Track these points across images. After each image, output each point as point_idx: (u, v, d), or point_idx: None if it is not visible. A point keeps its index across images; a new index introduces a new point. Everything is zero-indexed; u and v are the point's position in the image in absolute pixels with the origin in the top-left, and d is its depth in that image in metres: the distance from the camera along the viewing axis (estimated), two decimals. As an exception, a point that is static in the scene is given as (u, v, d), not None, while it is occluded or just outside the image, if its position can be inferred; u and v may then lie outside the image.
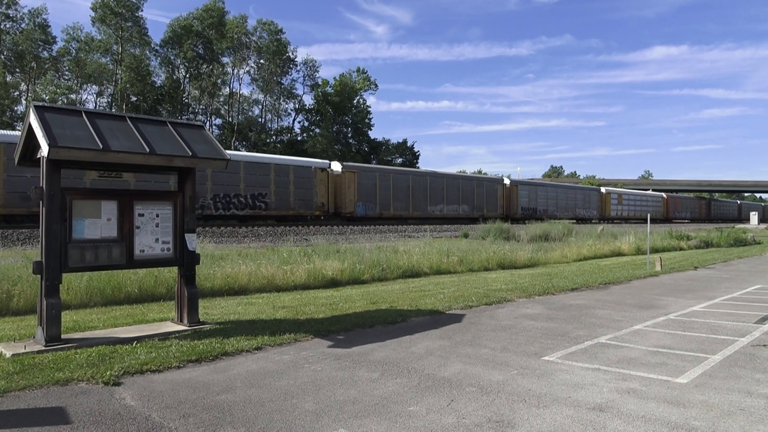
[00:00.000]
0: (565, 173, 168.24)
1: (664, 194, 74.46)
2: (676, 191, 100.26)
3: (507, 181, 50.91)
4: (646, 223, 18.30)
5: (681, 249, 26.92)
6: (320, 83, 79.81)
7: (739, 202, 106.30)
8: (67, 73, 62.53)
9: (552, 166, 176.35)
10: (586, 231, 28.90)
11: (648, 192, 75.64)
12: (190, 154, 7.01)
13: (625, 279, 13.81)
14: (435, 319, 8.35)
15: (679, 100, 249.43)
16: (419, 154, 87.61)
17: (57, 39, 61.80)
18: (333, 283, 12.35)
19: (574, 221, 45.43)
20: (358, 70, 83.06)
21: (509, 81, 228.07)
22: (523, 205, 51.16)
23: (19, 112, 57.35)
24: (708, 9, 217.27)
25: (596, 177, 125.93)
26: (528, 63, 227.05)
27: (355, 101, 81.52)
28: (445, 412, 4.43)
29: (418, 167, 78.27)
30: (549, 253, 20.09)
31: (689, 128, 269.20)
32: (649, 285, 12.87)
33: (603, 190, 64.05)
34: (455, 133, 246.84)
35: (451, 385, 5.13)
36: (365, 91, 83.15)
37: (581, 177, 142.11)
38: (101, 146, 6.28)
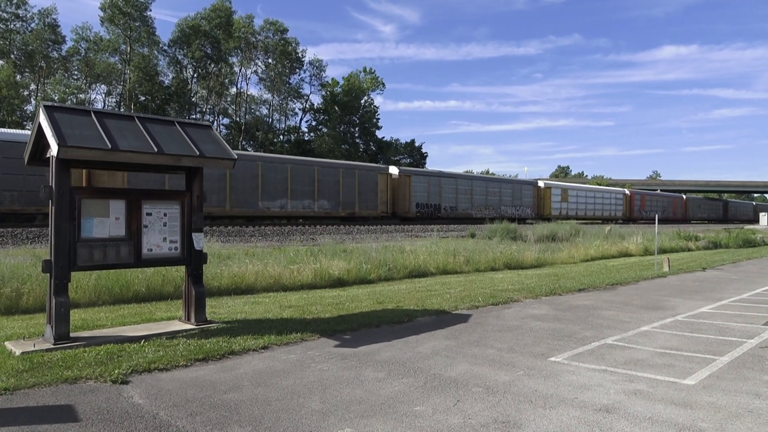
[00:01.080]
0: (573, 173, 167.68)
1: (627, 190, 68.07)
2: (686, 191, 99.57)
3: (395, 171, 40.36)
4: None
5: (689, 250, 26.77)
6: (329, 83, 79.91)
7: (726, 199, 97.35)
8: (76, 72, 62.93)
9: (559, 166, 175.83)
10: (594, 232, 28.78)
11: (607, 188, 69.81)
12: (198, 153, 7.04)
13: (633, 280, 13.75)
14: (441, 319, 8.35)
15: (689, 100, 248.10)
16: (427, 155, 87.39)
17: (66, 39, 62.24)
18: (339, 283, 12.36)
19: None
20: (365, 70, 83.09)
21: (517, 80, 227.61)
22: (419, 201, 40.72)
23: (28, 112, 57.75)
24: (718, 8, 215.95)
25: (604, 177, 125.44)
26: (536, 62, 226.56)
27: (362, 101, 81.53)
28: (451, 412, 4.43)
29: (425, 167, 78.24)
30: (556, 253, 20.03)
31: (699, 128, 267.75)
32: (657, 286, 12.81)
33: (541, 184, 53.92)
34: (462, 132, 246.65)
35: (458, 385, 5.13)
36: (373, 91, 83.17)
37: (588, 177, 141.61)
38: (110, 146, 6.32)
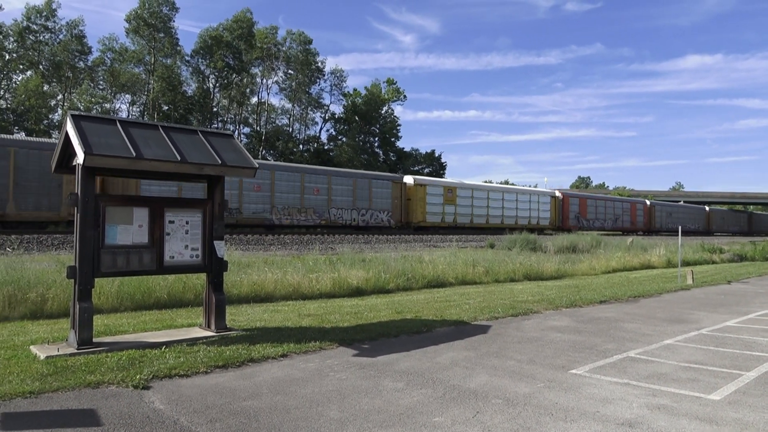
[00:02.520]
0: (594, 184, 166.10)
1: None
2: (709, 203, 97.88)
3: (409, 180, 38.70)
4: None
5: (714, 262, 26.29)
6: (351, 93, 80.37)
7: (708, 209, 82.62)
8: (101, 82, 64.18)
9: (579, 177, 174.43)
10: (616, 243, 28.43)
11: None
12: (220, 162, 7.13)
13: (656, 292, 13.53)
14: (460, 329, 8.30)
15: (713, 110, 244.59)
16: (446, 165, 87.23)
17: (93, 49, 63.56)
18: (358, 292, 12.37)
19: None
20: (389, 81, 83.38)
21: (537, 90, 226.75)
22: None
23: (55, 121, 59.01)
24: (745, 17, 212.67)
25: (626, 188, 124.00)
26: (557, 72, 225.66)
27: (383, 111, 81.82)
28: (470, 423, 4.39)
29: (445, 177, 78.10)
30: (576, 264, 19.82)
31: (723, 139, 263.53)
32: (680, 299, 12.59)
33: (410, 180, 39.69)
34: (482, 142, 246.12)
35: (477, 396, 5.09)
36: (394, 101, 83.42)
37: (610, 188, 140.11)
38: (134, 154, 6.43)
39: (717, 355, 6.97)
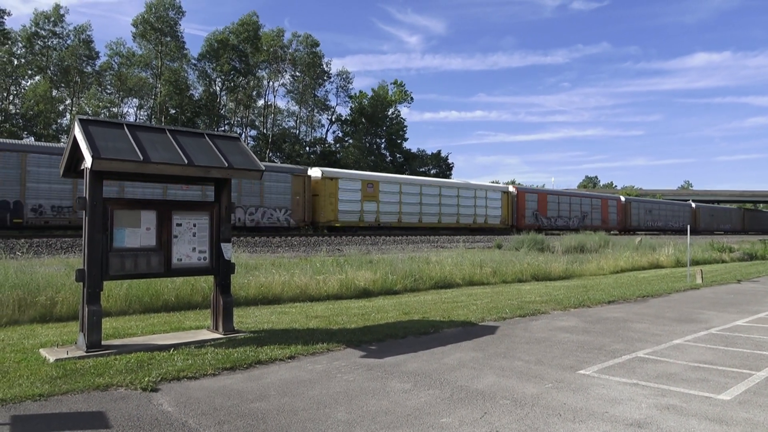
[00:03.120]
0: (601, 184, 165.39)
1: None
2: (718, 201, 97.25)
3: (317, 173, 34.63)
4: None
5: (723, 261, 26.11)
6: (357, 95, 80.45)
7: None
8: (109, 87, 64.59)
9: (587, 176, 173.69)
10: (624, 243, 28.30)
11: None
12: (227, 165, 7.16)
13: (664, 292, 13.46)
14: (468, 330, 8.29)
15: (722, 108, 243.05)
16: (453, 166, 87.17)
17: (100, 54, 63.98)
18: (365, 294, 12.37)
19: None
20: (396, 83, 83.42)
21: (544, 90, 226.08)
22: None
23: (64, 125, 59.43)
24: (753, 14, 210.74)
25: (634, 187, 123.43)
26: (563, 71, 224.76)
27: (389, 112, 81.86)
28: (478, 424, 4.38)
29: (451, 178, 78.03)
30: (584, 264, 19.74)
31: (732, 137, 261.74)
32: (690, 298, 12.51)
33: (316, 173, 34.61)
34: (488, 143, 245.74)
35: (485, 397, 5.08)
36: (400, 103, 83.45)
37: (617, 187, 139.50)
38: (142, 158, 6.47)
39: (727, 354, 6.92)
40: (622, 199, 58.76)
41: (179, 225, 7.19)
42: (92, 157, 6.14)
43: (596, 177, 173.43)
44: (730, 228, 75.99)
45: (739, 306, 11.30)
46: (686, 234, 18.37)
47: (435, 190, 40.24)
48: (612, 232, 49.45)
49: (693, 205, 70.55)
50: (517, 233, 34.68)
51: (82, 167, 6.73)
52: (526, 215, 46.69)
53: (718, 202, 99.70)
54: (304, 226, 32.89)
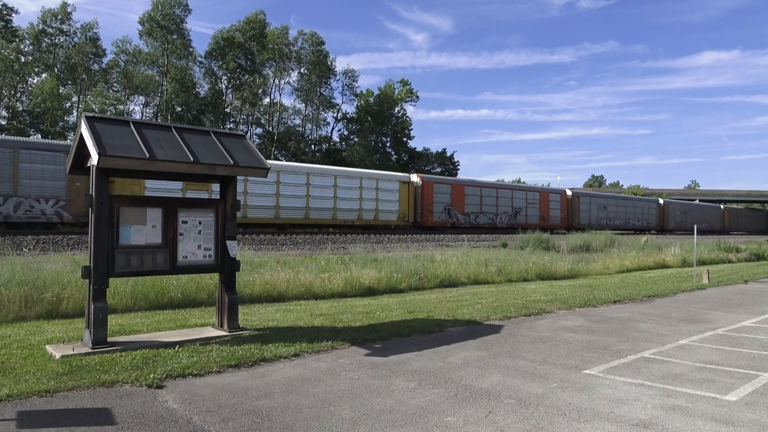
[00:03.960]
0: (608, 183, 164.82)
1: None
2: (725, 201, 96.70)
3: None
4: None
5: (730, 262, 25.98)
6: (364, 93, 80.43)
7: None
8: (115, 84, 64.83)
9: (593, 176, 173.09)
10: (630, 242, 28.20)
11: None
12: (232, 163, 7.17)
13: (671, 292, 13.40)
14: (472, 329, 8.28)
15: (730, 107, 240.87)
16: (459, 164, 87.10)
17: (107, 52, 64.23)
18: (370, 292, 12.37)
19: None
20: (402, 82, 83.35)
21: (550, 89, 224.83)
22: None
23: (70, 123, 59.68)
24: (762, 12, 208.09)
25: (640, 186, 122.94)
26: (570, 70, 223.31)
27: (395, 110, 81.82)
28: (482, 423, 4.38)
29: (457, 176, 77.95)
30: (590, 264, 19.68)
31: (740, 136, 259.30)
32: (696, 298, 12.45)
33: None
34: (494, 141, 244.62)
35: (489, 396, 5.07)
36: (406, 101, 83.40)
37: (624, 186, 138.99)
38: (147, 155, 6.48)
39: (733, 355, 6.88)
40: (569, 193, 51.08)
41: (185, 222, 7.21)
42: (98, 154, 6.16)
43: (602, 176, 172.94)
44: (708, 227, 67.14)
45: (745, 306, 11.24)
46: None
47: (326, 180, 33.10)
48: (556, 231, 44.55)
49: (661, 201, 63.27)
50: (426, 232, 32.49)
51: (88, 164, 6.75)
52: (436, 210, 38.83)
53: (725, 202, 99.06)
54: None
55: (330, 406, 4.73)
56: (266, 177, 7.76)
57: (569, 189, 51.92)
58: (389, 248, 22.70)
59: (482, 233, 37.72)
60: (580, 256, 21.52)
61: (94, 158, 6.25)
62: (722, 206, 71.03)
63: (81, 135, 6.70)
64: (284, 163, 39.85)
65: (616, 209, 55.34)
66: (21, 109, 58.88)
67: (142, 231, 6.86)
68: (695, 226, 20.78)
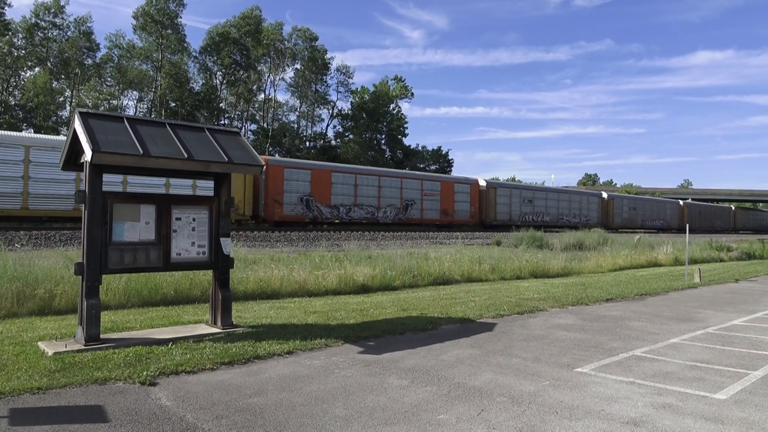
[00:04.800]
0: (601, 181, 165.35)
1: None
2: (718, 200, 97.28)
3: None
4: None
5: (721, 260, 26.16)
6: (359, 90, 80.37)
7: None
8: (109, 79, 64.48)
9: (586, 174, 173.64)
10: (622, 241, 28.33)
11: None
12: (227, 159, 7.15)
13: (662, 290, 13.48)
14: (466, 327, 8.31)
15: (724, 107, 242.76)
16: (453, 162, 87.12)
17: (100, 46, 63.86)
18: (364, 289, 12.39)
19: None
20: (396, 78, 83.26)
21: (545, 87, 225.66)
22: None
23: (63, 117, 59.32)
24: (757, 12, 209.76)
25: (633, 185, 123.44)
26: (565, 68, 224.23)
27: (390, 108, 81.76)
28: (475, 421, 4.40)
29: (451, 173, 78.02)
30: (583, 262, 19.77)
31: (733, 136, 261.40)
32: (687, 297, 12.54)
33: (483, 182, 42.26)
34: (489, 139, 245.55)
35: (482, 394, 5.09)
36: (401, 98, 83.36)
37: (618, 185, 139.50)
38: (141, 152, 6.46)
39: (723, 354, 6.94)
40: (482, 183, 43.60)
41: (179, 219, 7.19)
42: (92, 150, 6.13)
43: (596, 174, 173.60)
44: (664, 225, 61.17)
45: (736, 305, 11.33)
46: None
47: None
48: (464, 228, 39.75)
49: (605, 195, 56.43)
50: (274, 229, 27.78)
51: (81, 160, 6.72)
52: (288, 202, 31.55)
53: (717, 200, 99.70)
54: None
55: (323, 404, 4.74)
56: (261, 174, 7.75)
57: (484, 179, 44.48)
58: (383, 246, 22.72)
59: (358, 230, 31.96)
60: (573, 254, 21.61)
61: (88, 154, 6.22)
62: (681, 202, 67.23)
63: (74, 131, 6.67)
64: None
65: (545, 203, 48.73)
66: (13, 103, 58.46)
67: (136, 227, 6.84)
68: (687, 225, 20.89)
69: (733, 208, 73.14)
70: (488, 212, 43.35)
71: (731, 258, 27.24)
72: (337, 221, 34.14)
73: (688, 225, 20.65)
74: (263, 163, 7.53)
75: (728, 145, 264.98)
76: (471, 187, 42.26)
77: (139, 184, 24.42)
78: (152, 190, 23.82)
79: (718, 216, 67.81)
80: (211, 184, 7.85)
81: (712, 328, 8.73)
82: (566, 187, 62.09)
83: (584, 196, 54.53)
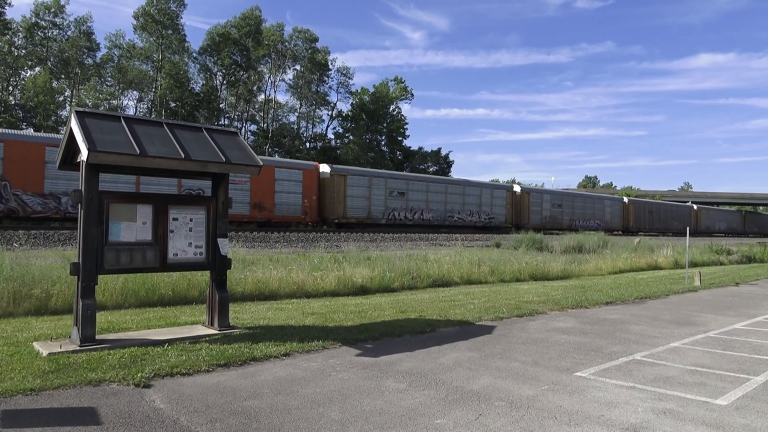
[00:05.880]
0: (601, 183, 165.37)
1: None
2: (717, 204, 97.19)
3: None
4: None
5: (721, 264, 26.10)
6: (359, 91, 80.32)
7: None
8: (109, 79, 64.42)
9: (586, 176, 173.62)
10: (622, 243, 28.27)
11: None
12: (224, 159, 7.09)
13: (663, 293, 13.43)
14: (464, 330, 8.25)
15: (725, 110, 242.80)
16: (452, 163, 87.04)
17: (100, 46, 63.80)
18: (362, 291, 12.33)
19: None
20: (396, 80, 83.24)
21: (546, 89, 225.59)
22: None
23: (63, 117, 59.25)
24: (758, 15, 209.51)
25: (633, 188, 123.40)
26: (566, 70, 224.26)
27: (390, 109, 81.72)
28: (472, 426, 4.34)
29: (451, 176, 77.98)
30: (583, 265, 19.70)
31: (734, 139, 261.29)
32: (688, 300, 12.48)
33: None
34: (490, 141, 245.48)
35: (480, 398, 5.04)
36: (401, 100, 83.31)
37: (618, 188, 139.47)
38: (138, 151, 6.41)
39: (724, 358, 6.88)
40: (326, 170, 34.79)
41: (175, 219, 7.13)
42: (88, 150, 6.08)
43: (596, 177, 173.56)
44: (601, 226, 51.83)
45: (737, 309, 11.27)
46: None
47: None
48: (303, 226, 33.32)
49: (517, 189, 48.37)
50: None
51: (78, 160, 6.67)
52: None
53: (718, 204, 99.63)
54: None
55: (319, 408, 4.68)
56: (258, 174, 7.70)
57: (328, 166, 36.06)
58: (383, 247, 22.66)
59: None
60: (573, 257, 21.54)
61: (84, 154, 6.17)
62: (626, 199, 60.78)
63: (71, 130, 6.62)
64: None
65: (421, 198, 39.36)
66: (13, 102, 58.41)
67: (132, 227, 6.79)
68: (687, 228, 20.84)
69: (695, 207, 69.87)
70: (331, 206, 34.83)
71: (731, 261, 27.18)
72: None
73: (688, 228, 20.60)
74: (261, 164, 7.48)
75: (729, 148, 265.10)
76: (310, 173, 34.30)
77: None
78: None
79: (675, 216, 62.75)
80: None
81: (712, 332, 8.67)
82: (467, 179, 47.54)
83: (486, 189, 45.41)
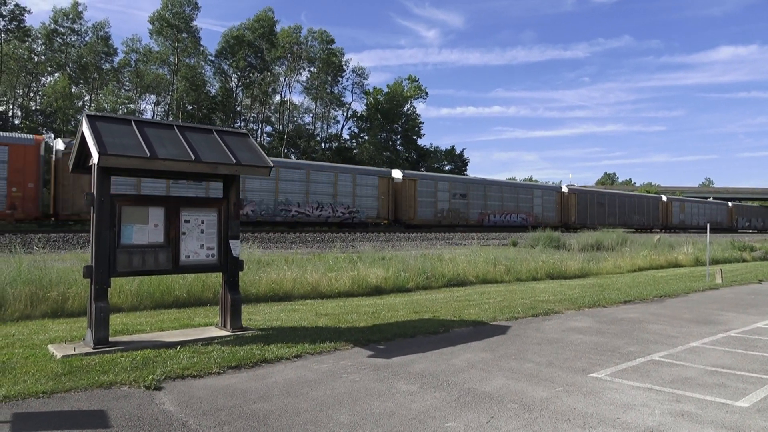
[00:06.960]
0: (620, 180, 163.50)
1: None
2: (739, 199, 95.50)
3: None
4: None
5: (744, 261, 25.60)
6: (373, 91, 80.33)
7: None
8: (127, 83, 65.23)
9: (605, 173, 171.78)
10: (642, 241, 27.87)
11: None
12: (234, 161, 7.09)
13: (682, 292, 13.18)
14: (478, 330, 8.16)
15: (746, 103, 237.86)
16: (468, 161, 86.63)
17: (118, 51, 64.63)
18: (377, 291, 12.28)
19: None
20: (410, 78, 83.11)
21: (563, 85, 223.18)
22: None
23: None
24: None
25: (653, 184, 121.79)
26: (583, 66, 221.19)
27: (405, 108, 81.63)
28: (484, 429, 4.26)
29: (467, 174, 77.64)
30: (601, 263, 19.45)
31: (757, 133, 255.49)
32: (708, 299, 12.23)
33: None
34: (506, 138, 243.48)
35: (492, 400, 4.95)
36: (416, 98, 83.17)
37: (637, 184, 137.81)
38: (149, 154, 6.43)
39: (746, 358, 6.71)
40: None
41: (187, 221, 7.15)
42: (99, 153, 6.11)
43: (615, 173, 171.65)
44: (526, 221, 45.04)
45: (759, 307, 11.02)
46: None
47: None
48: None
49: (397, 175, 39.04)
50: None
51: (90, 163, 6.71)
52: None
53: (740, 199, 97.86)
54: None
55: (329, 410, 4.64)
56: (269, 176, 7.68)
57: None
58: (398, 247, 22.61)
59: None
60: (591, 255, 21.28)
61: (95, 157, 6.20)
62: (565, 189, 53.40)
63: (82, 134, 6.66)
64: None
65: (342, 190, 34.53)
66: (34, 108, 59.42)
67: (144, 230, 6.81)
68: (708, 225, 20.44)
69: (665, 198, 60.56)
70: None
71: (754, 258, 26.67)
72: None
73: (708, 225, 20.21)
74: (271, 165, 7.46)
75: (751, 143, 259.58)
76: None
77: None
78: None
79: (637, 209, 54.61)
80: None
81: (734, 331, 8.47)
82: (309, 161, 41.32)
83: (346, 173, 35.51)
